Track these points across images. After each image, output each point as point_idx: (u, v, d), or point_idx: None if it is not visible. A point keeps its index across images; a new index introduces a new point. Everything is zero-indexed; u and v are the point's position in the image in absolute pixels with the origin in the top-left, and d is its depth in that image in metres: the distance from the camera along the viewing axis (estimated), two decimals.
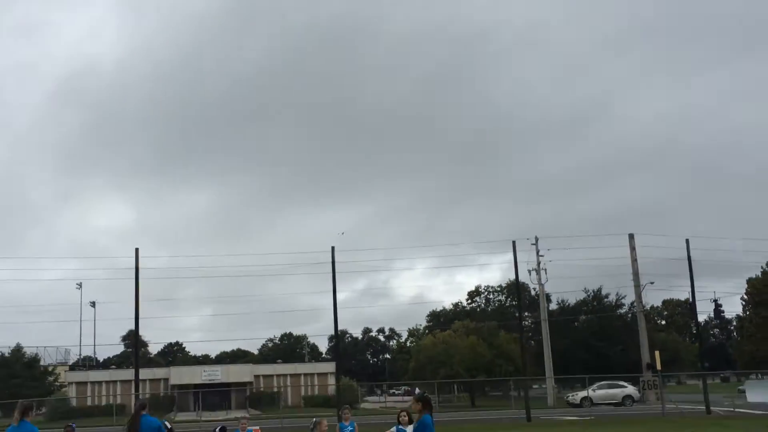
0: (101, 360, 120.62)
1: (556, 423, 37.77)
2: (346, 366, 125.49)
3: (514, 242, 42.40)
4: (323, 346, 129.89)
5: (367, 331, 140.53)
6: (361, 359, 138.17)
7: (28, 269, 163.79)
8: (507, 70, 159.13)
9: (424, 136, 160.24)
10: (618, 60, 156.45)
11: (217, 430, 14.48)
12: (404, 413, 13.85)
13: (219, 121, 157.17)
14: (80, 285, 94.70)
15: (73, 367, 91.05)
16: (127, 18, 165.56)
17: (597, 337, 69.80)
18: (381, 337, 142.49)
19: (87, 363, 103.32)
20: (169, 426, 15.05)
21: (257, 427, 15.28)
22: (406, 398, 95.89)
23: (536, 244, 67.38)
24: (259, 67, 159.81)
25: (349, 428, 15.75)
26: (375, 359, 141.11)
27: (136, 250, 37.35)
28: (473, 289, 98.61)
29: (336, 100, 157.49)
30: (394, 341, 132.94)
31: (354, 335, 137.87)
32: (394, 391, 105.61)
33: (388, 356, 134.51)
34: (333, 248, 39.83)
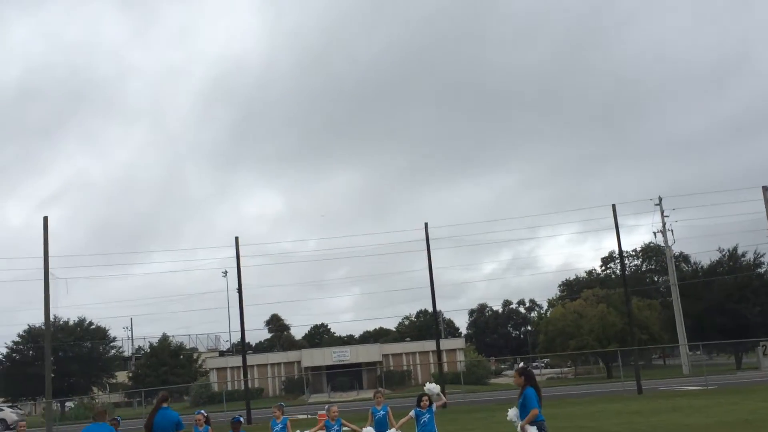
0: (253, 345, 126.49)
1: (670, 394, 36.17)
2: (484, 340, 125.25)
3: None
4: (462, 322, 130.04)
5: (507, 303, 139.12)
6: (503, 333, 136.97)
7: (186, 260, 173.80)
8: (637, 28, 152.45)
9: (558, 103, 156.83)
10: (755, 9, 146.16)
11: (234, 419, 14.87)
12: (426, 398, 13.69)
13: (357, 106, 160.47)
14: (226, 273, 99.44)
15: (223, 354, 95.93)
16: (268, 14, 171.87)
17: (734, 299, 65.96)
18: (522, 309, 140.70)
19: (236, 348, 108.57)
20: (205, 414, 15.53)
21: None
22: (543, 371, 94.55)
23: (660, 204, 64.51)
24: (393, 49, 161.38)
25: (381, 412, 15.71)
26: (516, 332, 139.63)
27: (236, 239, 38.70)
28: (606, 255, 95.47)
29: (471, 74, 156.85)
30: (535, 313, 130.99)
31: (494, 308, 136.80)
32: (536, 364, 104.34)
33: (529, 328, 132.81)
34: (426, 224, 39.82)
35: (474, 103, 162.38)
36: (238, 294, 39.15)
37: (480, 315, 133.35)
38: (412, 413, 13.62)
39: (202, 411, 15.79)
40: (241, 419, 14.72)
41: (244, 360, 40.70)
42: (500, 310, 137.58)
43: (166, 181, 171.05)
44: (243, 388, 69.97)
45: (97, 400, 69.53)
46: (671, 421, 22.00)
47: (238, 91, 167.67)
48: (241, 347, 43.07)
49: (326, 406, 15.71)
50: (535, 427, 10.88)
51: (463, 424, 27.85)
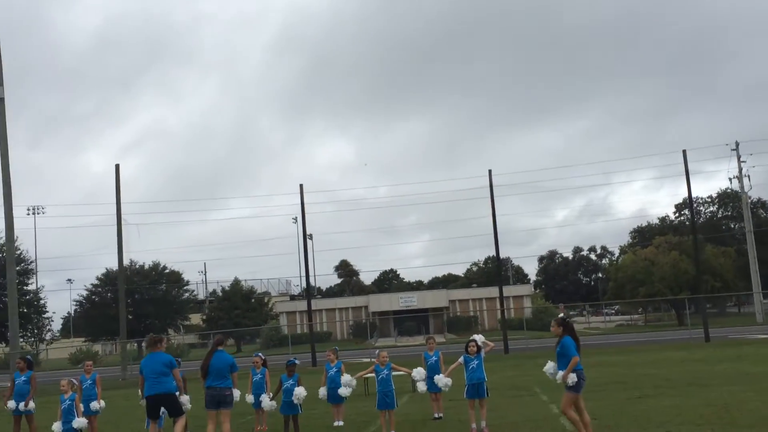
0: (324, 290, 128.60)
1: (739, 343, 35.38)
2: (554, 287, 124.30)
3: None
4: (532, 269, 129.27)
5: (577, 250, 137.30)
6: (573, 279, 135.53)
7: (259, 206, 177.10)
8: None
9: (634, 47, 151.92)
10: None
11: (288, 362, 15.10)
12: (473, 343, 13.74)
13: (426, 52, 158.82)
14: (295, 219, 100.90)
15: (294, 298, 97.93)
16: None
17: None
18: (592, 256, 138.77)
19: (306, 293, 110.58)
20: (262, 357, 15.83)
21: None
22: (612, 318, 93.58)
23: (737, 149, 62.32)
24: None
25: (434, 358, 15.85)
26: (587, 279, 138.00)
27: (300, 186, 39.07)
28: (681, 201, 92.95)
29: (542, 18, 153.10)
30: (606, 260, 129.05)
31: (564, 255, 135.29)
32: (607, 311, 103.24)
33: (600, 276, 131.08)
34: (490, 171, 39.42)
35: (545, 47, 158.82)
36: (303, 240, 39.59)
37: (550, 262, 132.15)
38: (461, 359, 13.67)
39: (260, 354, 16.14)
40: (296, 362, 14.95)
41: (309, 304, 41.44)
42: (570, 257, 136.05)
43: (240, 129, 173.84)
44: (314, 330, 71.71)
45: (173, 341, 72.09)
46: (734, 369, 21.57)
47: (308, 39, 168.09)
48: (306, 292, 43.78)
49: (376, 351, 15.88)
50: (575, 375, 10.83)
51: (524, 369, 27.86)
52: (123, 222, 39.72)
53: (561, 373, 11.04)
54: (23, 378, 16.63)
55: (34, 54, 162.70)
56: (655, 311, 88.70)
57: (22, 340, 72.32)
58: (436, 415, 15.27)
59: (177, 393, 12.35)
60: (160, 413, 12.42)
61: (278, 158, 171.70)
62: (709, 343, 35.46)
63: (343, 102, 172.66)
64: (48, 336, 74.26)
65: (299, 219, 41.25)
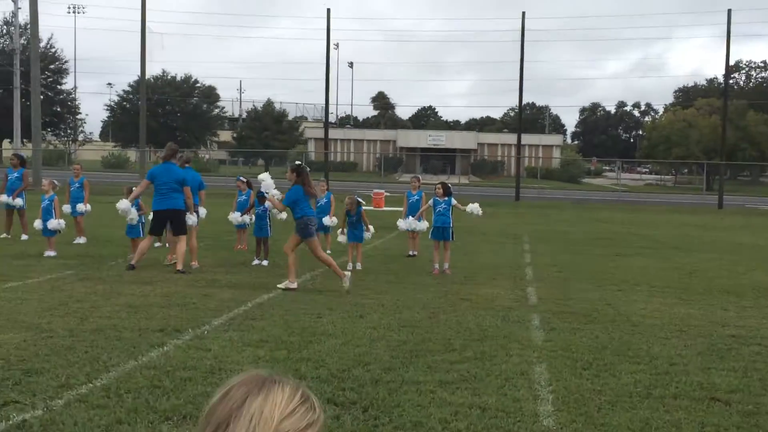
0: (360, 120, 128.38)
1: (752, 212, 34.97)
2: (592, 140, 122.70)
3: None
4: (571, 119, 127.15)
5: (621, 105, 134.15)
6: (613, 134, 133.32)
7: (308, 28, 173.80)
8: None
9: None
10: None
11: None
12: (439, 186, 13.72)
13: None
14: (337, 45, 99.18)
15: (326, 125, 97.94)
16: None
17: None
18: (636, 113, 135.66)
19: (341, 121, 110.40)
20: (244, 180, 16.01)
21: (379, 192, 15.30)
22: (644, 177, 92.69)
23: None
24: None
25: (416, 197, 15.85)
26: (627, 135, 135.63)
27: (328, 10, 38.01)
28: (732, 64, 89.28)
29: None
30: (648, 117, 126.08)
31: (607, 108, 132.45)
32: (640, 169, 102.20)
33: (641, 133, 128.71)
34: (523, 13, 37.85)
35: None
36: (326, 66, 38.99)
37: (591, 114, 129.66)
38: (431, 202, 13.69)
39: (241, 177, 16.28)
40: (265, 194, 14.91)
41: (326, 131, 41.48)
42: (613, 111, 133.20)
43: None
44: (340, 160, 72.22)
45: (202, 156, 73.23)
46: (727, 237, 21.36)
47: None
48: (325, 119, 43.66)
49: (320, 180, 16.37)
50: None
51: (525, 218, 27.93)
52: (147, 30, 39.18)
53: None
54: (16, 174, 17.01)
55: None
56: (689, 174, 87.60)
57: (55, 138, 74.09)
58: (410, 253, 15.45)
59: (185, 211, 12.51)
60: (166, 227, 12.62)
61: None
62: (720, 210, 35.09)
63: None
64: (81, 137, 75.73)
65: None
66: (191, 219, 12.84)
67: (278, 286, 10.71)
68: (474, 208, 13.75)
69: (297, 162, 11.86)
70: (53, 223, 13.89)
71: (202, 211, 13.95)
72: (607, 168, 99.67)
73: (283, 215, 13.19)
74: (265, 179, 11.92)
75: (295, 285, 10.75)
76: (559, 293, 10.98)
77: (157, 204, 12.23)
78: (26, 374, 6.17)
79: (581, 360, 7.13)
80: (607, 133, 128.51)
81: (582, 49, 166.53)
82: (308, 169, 11.57)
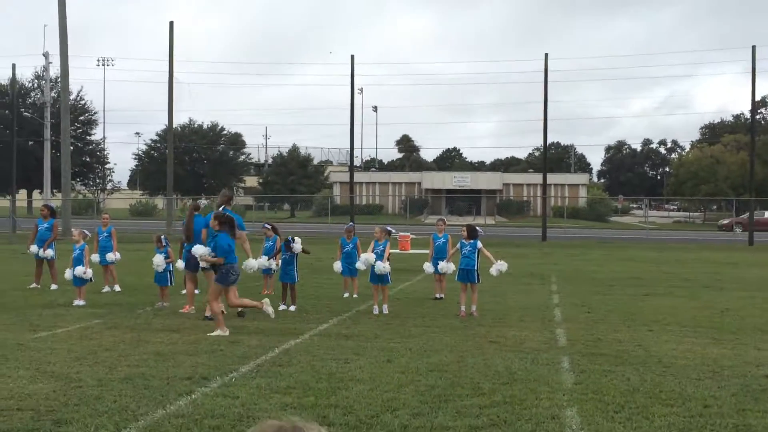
0: (385, 163, 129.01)
1: None
2: (618, 178, 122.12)
3: None
4: (597, 158, 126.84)
5: (647, 142, 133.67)
6: (639, 172, 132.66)
7: (332, 75, 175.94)
8: None
9: None
10: None
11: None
12: (464, 229, 13.73)
13: None
14: (361, 90, 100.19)
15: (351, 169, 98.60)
16: None
17: None
18: (662, 150, 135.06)
19: (365, 165, 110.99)
20: (269, 226, 16.10)
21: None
22: (672, 214, 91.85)
23: None
24: None
25: (442, 240, 15.81)
26: (653, 173, 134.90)
27: (352, 57, 38.44)
28: (759, 99, 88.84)
29: None
30: (675, 154, 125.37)
31: (632, 146, 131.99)
32: (668, 206, 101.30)
33: (668, 170, 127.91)
34: (546, 55, 38.05)
35: None
36: (351, 111, 39.37)
37: (617, 152, 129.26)
38: (458, 245, 13.68)
39: (266, 224, 16.36)
40: (291, 240, 14.82)
41: (351, 175, 41.79)
42: (639, 148, 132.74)
43: None
44: (366, 203, 72.46)
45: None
46: (758, 275, 21.02)
47: None
48: (349, 164, 43.95)
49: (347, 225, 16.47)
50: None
51: (551, 258, 27.73)
52: (175, 81, 39.93)
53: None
54: (46, 225, 17.27)
55: None
56: (718, 210, 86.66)
57: (84, 187, 75.21)
58: (437, 296, 15.38)
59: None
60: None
61: (357, 27, 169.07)
62: (752, 247, 34.64)
63: None
64: (109, 186, 76.79)
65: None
66: (251, 263, 13.05)
67: (209, 334, 10.63)
68: (496, 269, 13.50)
69: (223, 211, 12.05)
70: (79, 271, 14.02)
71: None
72: (635, 206, 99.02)
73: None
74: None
75: (226, 333, 10.67)
76: (588, 334, 10.86)
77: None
78: (56, 424, 6.20)
79: (613, 403, 7.02)
80: (634, 171, 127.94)
81: (607, 87, 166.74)
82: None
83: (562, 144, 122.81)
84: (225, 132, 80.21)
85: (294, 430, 1.55)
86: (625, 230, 53.80)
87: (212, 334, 10.64)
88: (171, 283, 14.30)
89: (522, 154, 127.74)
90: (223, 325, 10.82)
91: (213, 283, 11.30)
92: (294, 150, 79.83)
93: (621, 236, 44.59)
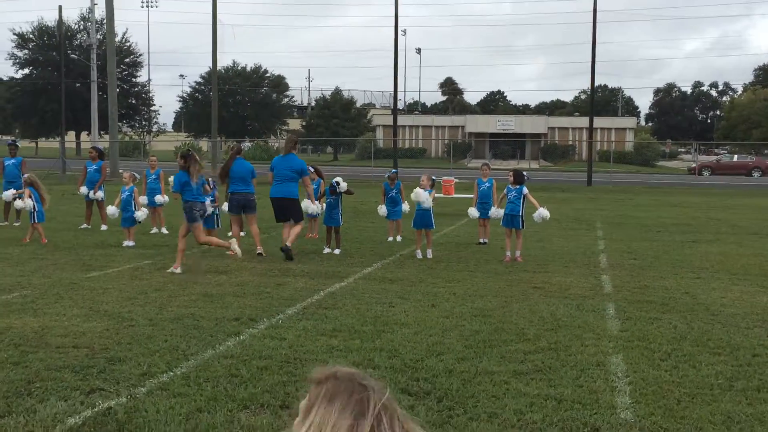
0: (428, 106, 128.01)
1: None
2: (667, 122, 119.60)
3: None
4: (645, 101, 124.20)
5: (697, 85, 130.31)
6: (689, 116, 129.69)
7: (366, 16, 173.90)
8: None
9: None
10: None
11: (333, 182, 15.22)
12: (511, 174, 13.62)
13: None
14: (405, 32, 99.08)
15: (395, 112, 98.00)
16: None
17: None
18: (713, 93, 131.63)
19: (408, 108, 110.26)
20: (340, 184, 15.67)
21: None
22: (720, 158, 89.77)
23: None
24: None
25: (487, 185, 15.72)
26: (704, 116, 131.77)
27: None
28: None
29: None
30: (727, 97, 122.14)
31: (682, 89, 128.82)
32: (717, 151, 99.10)
33: (719, 113, 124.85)
34: None
35: None
36: (394, 52, 38.98)
37: (666, 95, 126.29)
38: (505, 191, 13.59)
39: (311, 167, 16.32)
40: (336, 184, 14.77)
41: (395, 118, 41.56)
42: (689, 91, 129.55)
43: None
44: (409, 146, 72.17)
45: (271, 144, 74.18)
46: None
47: None
48: (393, 107, 43.65)
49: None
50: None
51: (598, 203, 27.44)
52: (219, 23, 39.81)
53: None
54: (94, 167, 17.55)
55: None
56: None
57: (130, 129, 76.10)
58: (481, 240, 15.35)
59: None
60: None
61: None
62: None
63: None
64: (155, 128, 77.52)
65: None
66: (312, 208, 13.35)
67: (168, 270, 11.05)
68: (539, 216, 13.32)
69: (187, 149, 12.38)
70: (139, 214, 14.30)
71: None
72: (683, 150, 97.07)
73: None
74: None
75: (178, 270, 11.00)
76: (634, 281, 10.78)
77: (273, 192, 12.89)
78: (110, 362, 6.38)
79: (659, 351, 6.99)
80: (683, 115, 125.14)
81: (656, 28, 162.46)
82: (195, 155, 11.95)
83: (609, 87, 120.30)
84: (268, 74, 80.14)
85: (363, 387, 1.58)
86: (673, 175, 52.93)
87: (168, 270, 11.06)
88: (217, 226, 14.50)
89: (568, 97, 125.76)
90: (179, 263, 11.16)
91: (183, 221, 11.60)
92: (337, 93, 79.49)
93: (668, 181, 43.88)
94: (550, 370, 6.32)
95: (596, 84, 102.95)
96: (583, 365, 6.49)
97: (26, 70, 72.70)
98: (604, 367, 6.47)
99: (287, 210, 12.80)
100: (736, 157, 55.53)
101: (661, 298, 9.49)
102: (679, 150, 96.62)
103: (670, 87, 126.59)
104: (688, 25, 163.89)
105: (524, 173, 13.70)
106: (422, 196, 13.16)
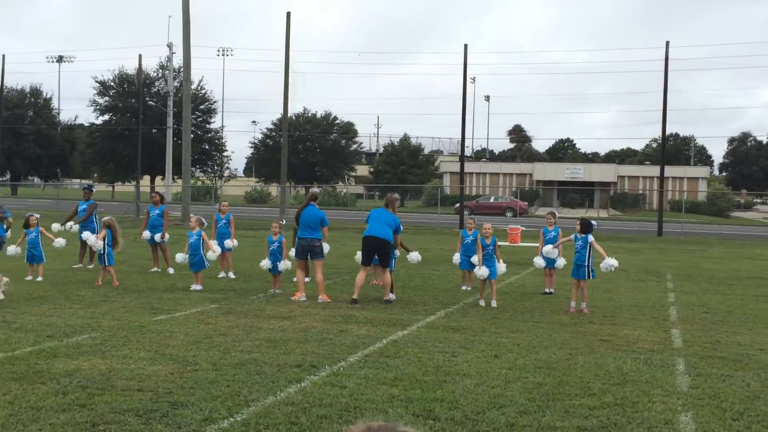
0: (496, 153, 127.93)
1: None
2: (742, 172, 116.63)
3: None
4: (719, 150, 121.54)
5: None
6: (765, 165, 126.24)
7: (447, 64, 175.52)
8: None
9: None
10: None
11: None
12: (578, 223, 13.45)
13: None
14: (474, 79, 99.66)
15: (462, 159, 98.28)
16: None
17: None
18: None
19: (476, 155, 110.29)
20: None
21: None
22: None
23: None
24: None
25: (552, 233, 15.54)
26: None
27: (465, 46, 38.16)
28: None
29: None
30: None
31: (758, 138, 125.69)
32: None
33: None
34: (667, 42, 36.63)
35: None
36: (462, 100, 39.18)
37: (741, 144, 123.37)
38: (572, 236, 13.40)
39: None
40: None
41: (462, 166, 41.53)
42: (765, 140, 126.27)
43: None
44: (476, 193, 72.03)
45: (339, 190, 74.95)
46: None
47: None
48: (460, 154, 43.71)
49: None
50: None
51: (671, 254, 26.80)
52: (291, 71, 40.76)
53: None
54: (157, 211, 17.97)
55: None
56: None
57: (202, 174, 77.96)
58: (546, 290, 15.11)
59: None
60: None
61: (472, 16, 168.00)
62: None
63: None
64: (226, 173, 79.23)
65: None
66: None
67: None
68: (606, 265, 12.98)
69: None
70: (212, 254, 14.54)
71: (326, 246, 14.12)
72: (759, 201, 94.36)
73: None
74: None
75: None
76: (706, 336, 10.44)
77: (368, 231, 13.30)
78: (173, 407, 6.46)
79: (731, 410, 6.73)
80: (759, 164, 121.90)
81: (731, 76, 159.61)
82: None
83: (681, 135, 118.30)
84: (338, 121, 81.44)
85: (381, 428, 1.57)
86: (749, 227, 51.41)
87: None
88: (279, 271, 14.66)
89: (638, 145, 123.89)
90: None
91: None
92: (405, 139, 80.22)
93: (744, 233, 42.62)
94: (616, 427, 6.15)
95: (668, 132, 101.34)
96: (651, 423, 6.29)
97: (106, 117, 75.42)
98: (673, 425, 6.26)
99: (380, 252, 13.27)
100: None
101: (734, 355, 9.17)
102: (755, 201, 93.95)
103: (746, 136, 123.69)
104: (764, 73, 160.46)
105: (592, 222, 13.49)
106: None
